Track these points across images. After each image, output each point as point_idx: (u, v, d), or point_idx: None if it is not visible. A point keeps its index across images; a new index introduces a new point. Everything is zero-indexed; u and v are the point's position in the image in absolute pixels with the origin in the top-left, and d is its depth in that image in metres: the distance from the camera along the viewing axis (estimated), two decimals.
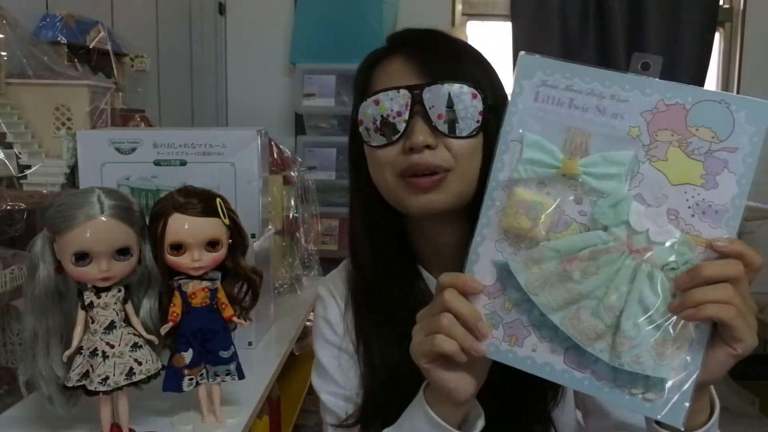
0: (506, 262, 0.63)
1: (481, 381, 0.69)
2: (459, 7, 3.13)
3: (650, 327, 0.59)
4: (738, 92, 3.16)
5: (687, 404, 0.58)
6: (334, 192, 2.61)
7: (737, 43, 3.17)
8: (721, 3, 3.10)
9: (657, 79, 0.61)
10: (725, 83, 3.22)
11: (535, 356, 0.63)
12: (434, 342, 0.64)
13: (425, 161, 0.76)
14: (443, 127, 0.76)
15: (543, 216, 0.62)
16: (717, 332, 0.59)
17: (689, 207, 0.59)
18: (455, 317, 0.64)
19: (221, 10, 3.00)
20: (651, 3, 3.01)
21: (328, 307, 0.93)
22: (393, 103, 0.76)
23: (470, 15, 3.17)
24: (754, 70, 3.14)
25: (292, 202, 1.77)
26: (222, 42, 3.03)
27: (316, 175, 2.54)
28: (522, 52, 0.65)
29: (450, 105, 0.75)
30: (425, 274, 0.87)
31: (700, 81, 3.07)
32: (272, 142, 1.65)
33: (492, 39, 3.19)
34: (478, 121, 0.76)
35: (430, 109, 0.76)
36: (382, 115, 0.77)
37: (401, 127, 0.76)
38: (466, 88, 0.76)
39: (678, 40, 3.04)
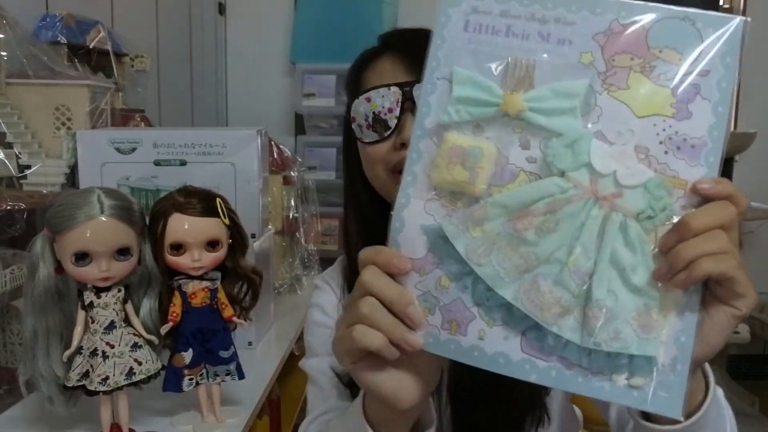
0: (440, 227, 0.51)
1: (432, 382, 0.55)
2: None
3: (629, 292, 0.47)
4: (739, 92, 3.16)
5: (685, 387, 0.47)
6: (334, 192, 2.60)
7: None
8: (721, 3, 3.10)
9: None
10: None
11: (483, 345, 0.49)
12: (353, 335, 0.50)
13: None
14: None
15: (483, 164, 0.50)
16: (711, 292, 0.48)
17: (661, 142, 0.49)
18: (380, 302, 0.50)
19: (221, 10, 3.00)
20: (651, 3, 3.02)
21: (322, 294, 0.93)
22: (384, 100, 0.78)
23: None
24: (754, 70, 3.15)
25: (292, 202, 1.77)
26: (222, 42, 3.03)
27: (316, 175, 2.54)
28: None
29: None
30: None
31: None
32: (272, 142, 1.65)
33: None
34: None
35: None
36: (373, 112, 0.78)
37: (392, 123, 0.77)
38: None
39: None
